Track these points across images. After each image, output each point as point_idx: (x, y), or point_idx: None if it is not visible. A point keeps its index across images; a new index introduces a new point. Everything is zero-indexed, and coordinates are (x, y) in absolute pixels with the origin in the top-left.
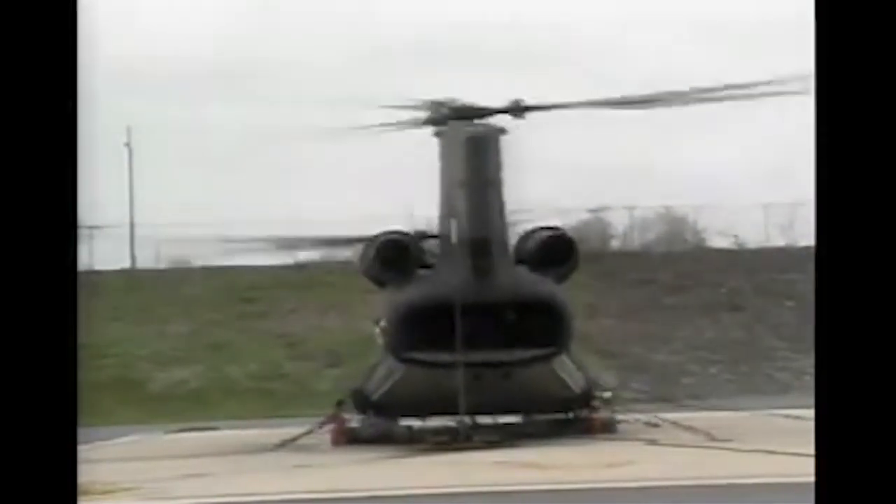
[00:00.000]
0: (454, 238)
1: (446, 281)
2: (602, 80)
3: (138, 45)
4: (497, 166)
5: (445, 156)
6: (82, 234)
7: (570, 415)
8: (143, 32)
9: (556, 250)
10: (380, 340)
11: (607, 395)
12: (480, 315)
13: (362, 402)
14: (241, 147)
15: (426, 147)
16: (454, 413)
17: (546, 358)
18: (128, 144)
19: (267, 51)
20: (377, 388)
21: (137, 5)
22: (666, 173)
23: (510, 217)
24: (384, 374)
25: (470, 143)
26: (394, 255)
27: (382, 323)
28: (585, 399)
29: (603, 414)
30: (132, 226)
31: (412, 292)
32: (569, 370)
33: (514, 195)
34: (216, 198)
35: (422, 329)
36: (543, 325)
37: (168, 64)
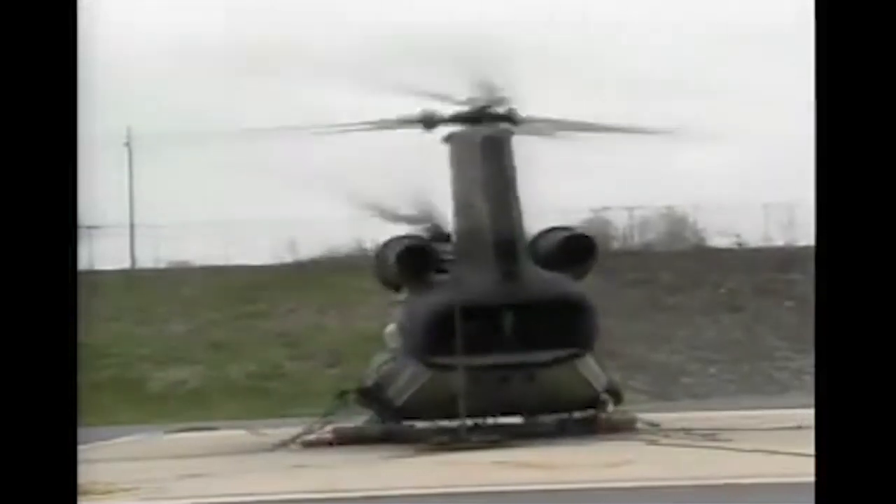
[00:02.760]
0: (475, 240)
1: (472, 284)
2: (599, 81)
3: (138, 45)
4: (512, 167)
5: (458, 159)
6: (82, 234)
7: (593, 414)
8: (143, 32)
9: (576, 250)
10: (392, 344)
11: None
12: (507, 317)
13: (383, 407)
14: (242, 146)
15: (428, 149)
16: (479, 415)
17: (571, 358)
18: (128, 144)
19: (266, 50)
20: (401, 393)
21: (138, 5)
22: (666, 173)
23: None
24: (408, 378)
25: (487, 144)
26: (414, 261)
27: (395, 327)
28: (608, 399)
29: (622, 413)
30: (132, 226)
31: (435, 297)
32: (592, 370)
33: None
34: (216, 197)
35: (448, 333)
36: (570, 326)
37: (168, 63)
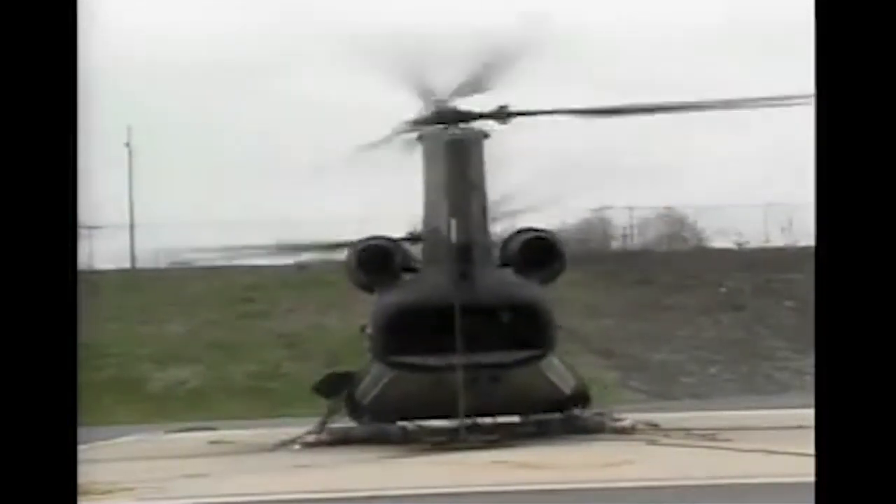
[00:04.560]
0: (437, 242)
1: (430, 285)
2: (597, 83)
3: (138, 45)
4: (479, 170)
5: (428, 160)
6: (82, 234)
7: (563, 414)
8: (143, 32)
9: (539, 252)
10: (366, 345)
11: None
12: (464, 318)
13: (354, 407)
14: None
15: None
16: (444, 416)
17: (533, 360)
18: (128, 144)
19: (266, 50)
20: (367, 392)
21: (138, 5)
22: (666, 173)
23: (497, 217)
24: (373, 378)
25: (451, 147)
26: (376, 261)
27: (368, 328)
28: (577, 400)
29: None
30: (132, 226)
31: (396, 296)
32: (558, 371)
33: (513, 194)
34: (216, 198)
35: (407, 333)
36: (527, 328)
37: (168, 63)
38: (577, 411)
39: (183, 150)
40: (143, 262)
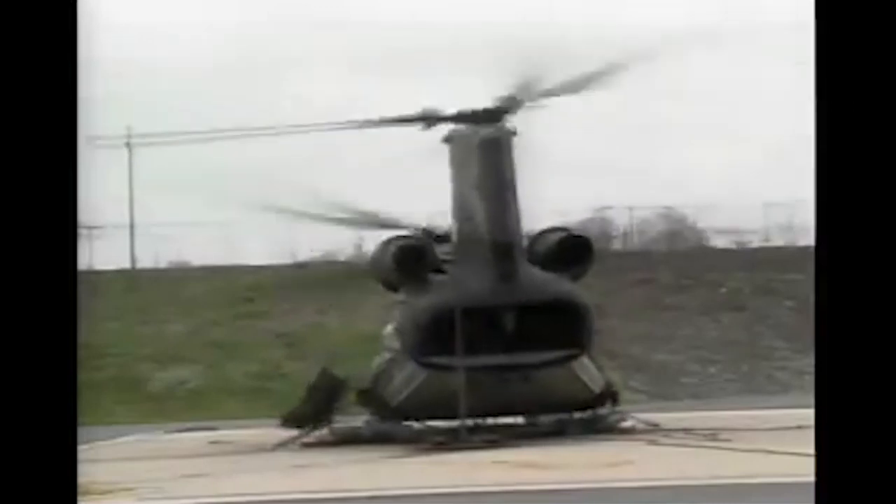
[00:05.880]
0: (472, 241)
1: (468, 285)
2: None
3: (138, 45)
4: (512, 168)
5: (458, 160)
6: (82, 234)
7: (591, 414)
8: (143, 31)
9: (573, 250)
10: (392, 344)
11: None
12: (503, 318)
13: (380, 407)
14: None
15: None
16: (476, 416)
17: (568, 359)
18: (128, 144)
19: (267, 49)
20: (397, 392)
21: (138, 4)
22: (666, 173)
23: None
24: (404, 379)
25: (485, 145)
26: (410, 261)
27: (394, 327)
28: (606, 398)
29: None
30: (132, 226)
31: (432, 297)
32: (589, 371)
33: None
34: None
35: (444, 334)
36: (566, 327)
37: (168, 63)
38: (604, 410)
39: (183, 149)
40: (143, 262)
